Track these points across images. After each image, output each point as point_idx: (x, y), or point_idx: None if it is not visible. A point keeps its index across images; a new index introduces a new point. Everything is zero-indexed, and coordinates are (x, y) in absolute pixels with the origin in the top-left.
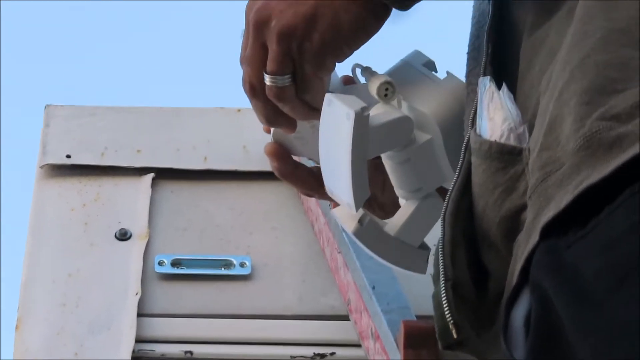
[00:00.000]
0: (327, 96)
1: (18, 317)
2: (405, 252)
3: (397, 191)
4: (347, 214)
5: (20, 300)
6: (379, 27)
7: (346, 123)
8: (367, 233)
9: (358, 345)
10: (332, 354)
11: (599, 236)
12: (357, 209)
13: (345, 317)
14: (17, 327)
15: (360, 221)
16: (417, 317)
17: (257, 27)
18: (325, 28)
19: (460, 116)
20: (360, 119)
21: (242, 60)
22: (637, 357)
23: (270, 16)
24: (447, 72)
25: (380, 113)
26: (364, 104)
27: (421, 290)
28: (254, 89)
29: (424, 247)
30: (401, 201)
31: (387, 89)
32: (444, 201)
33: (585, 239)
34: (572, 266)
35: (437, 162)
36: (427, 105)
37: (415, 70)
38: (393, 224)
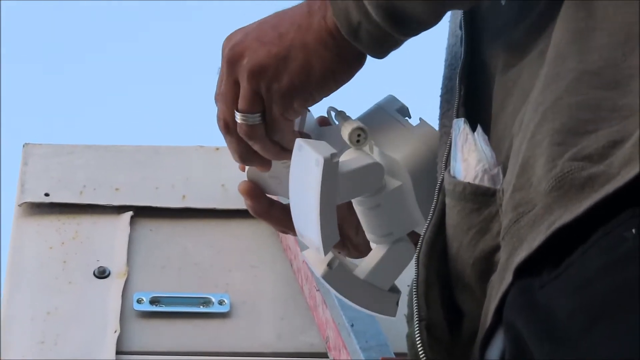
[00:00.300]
0: (298, 141)
1: None
2: (375, 295)
3: (368, 235)
4: (316, 257)
5: None
6: (350, 76)
7: (315, 169)
8: (336, 277)
9: None
10: None
11: (572, 276)
12: (325, 253)
13: (324, 355)
14: None
15: (329, 265)
16: (396, 354)
17: (231, 64)
18: (295, 71)
19: (430, 163)
20: (330, 165)
21: (217, 97)
22: None
23: (243, 54)
24: (420, 119)
25: (351, 159)
26: (333, 151)
27: (400, 328)
28: (228, 126)
29: (395, 291)
30: (372, 245)
31: (359, 135)
32: (418, 242)
33: (558, 279)
34: (545, 306)
35: (407, 208)
36: (398, 152)
37: (388, 115)
38: (363, 268)
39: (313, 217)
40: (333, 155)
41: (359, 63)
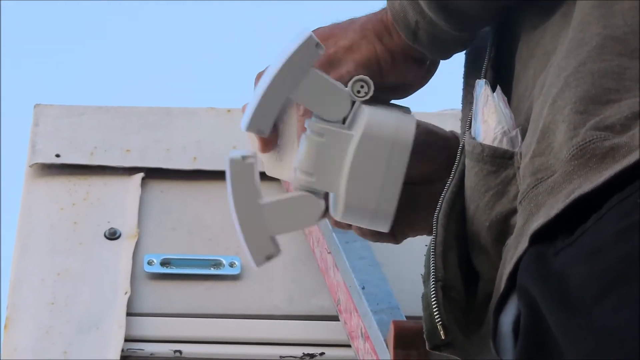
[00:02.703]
0: (304, 30)
1: (7, 316)
2: (258, 229)
3: (294, 174)
4: (240, 150)
5: (9, 300)
6: (422, 85)
7: (296, 42)
8: (240, 171)
9: (348, 346)
10: (322, 354)
11: (586, 243)
12: (247, 129)
13: (335, 318)
14: (5, 326)
15: (244, 156)
16: (407, 317)
17: None
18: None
19: (387, 141)
20: (312, 43)
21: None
22: None
23: None
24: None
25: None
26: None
27: (411, 291)
28: None
29: (275, 246)
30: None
31: (361, 87)
32: (439, 202)
33: (572, 246)
34: (559, 273)
35: (341, 163)
36: (371, 111)
37: (392, 103)
38: (268, 197)
39: (264, 85)
40: (319, 46)
41: (428, 72)
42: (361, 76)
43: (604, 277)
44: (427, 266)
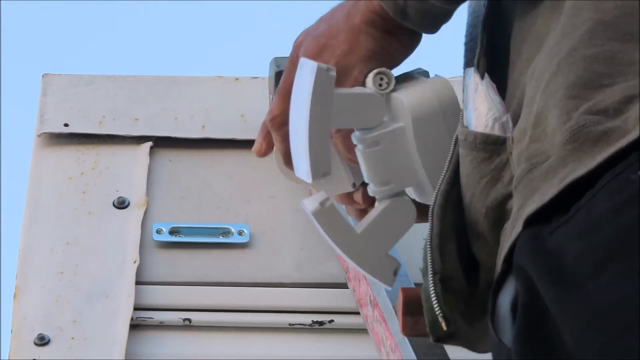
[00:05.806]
0: (301, 60)
1: (16, 285)
2: (370, 255)
3: (369, 188)
4: (312, 198)
5: (19, 269)
6: (405, 54)
7: (309, 77)
8: (327, 217)
9: (357, 313)
10: (331, 321)
11: (580, 220)
12: (312, 178)
13: (343, 285)
14: (15, 295)
15: (321, 203)
16: (416, 284)
17: (292, 63)
18: (342, 53)
19: (435, 110)
20: (323, 74)
21: (277, 92)
22: (620, 338)
23: (299, 52)
24: (436, 75)
25: (352, 88)
26: (332, 67)
27: (420, 258)
28: (279, 122)
29: (394, 260)
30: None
31: (381, 79)
32: (433, 195)
33: (567, 224)
34: (554, 251)
35: (407, 155)
36: (406, 95)
37: (409, 75)
38: (361, 222)
39: (303, 133)
40: (329, 69)
41: (412, 41)
42: (375, 70)
43: (599, 252)
44: (424, 259)
